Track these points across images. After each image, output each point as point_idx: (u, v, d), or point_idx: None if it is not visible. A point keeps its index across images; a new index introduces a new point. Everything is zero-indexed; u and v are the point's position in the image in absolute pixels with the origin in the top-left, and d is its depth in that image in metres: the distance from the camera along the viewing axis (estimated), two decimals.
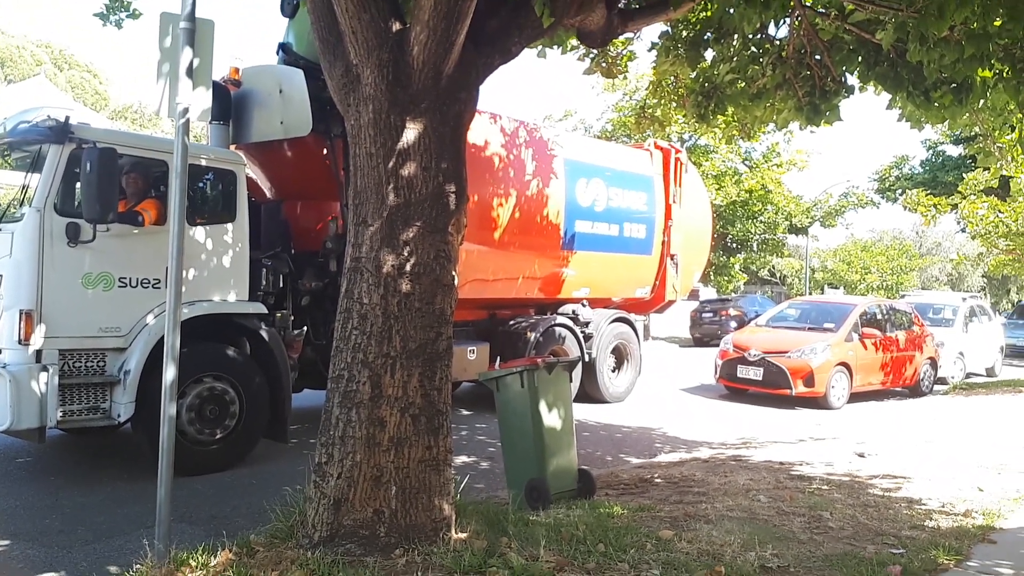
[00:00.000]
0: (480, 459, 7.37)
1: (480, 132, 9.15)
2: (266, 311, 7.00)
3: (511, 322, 10.15)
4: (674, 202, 12.01)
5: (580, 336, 10.56)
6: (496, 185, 9.40)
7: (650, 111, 10.24)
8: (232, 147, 7.65)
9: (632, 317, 11.79)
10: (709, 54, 7.06)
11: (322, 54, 4.54)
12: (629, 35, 8.28)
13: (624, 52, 8.80)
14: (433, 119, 4.36)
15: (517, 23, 4.77)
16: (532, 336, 9.78)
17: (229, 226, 6.80)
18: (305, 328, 7.71)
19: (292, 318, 7.57)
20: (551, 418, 5.56)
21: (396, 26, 4.28)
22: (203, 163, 6.69)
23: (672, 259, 12.04)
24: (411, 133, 4.30)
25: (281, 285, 7.42)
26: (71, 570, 4.37)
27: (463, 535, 4.38)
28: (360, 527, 4.13)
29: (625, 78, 10.07)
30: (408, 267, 4.30)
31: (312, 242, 8.05)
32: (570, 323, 10.50)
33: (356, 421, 4.20)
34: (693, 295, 26.48)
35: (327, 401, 4.37)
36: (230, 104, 7.54)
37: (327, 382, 4.47)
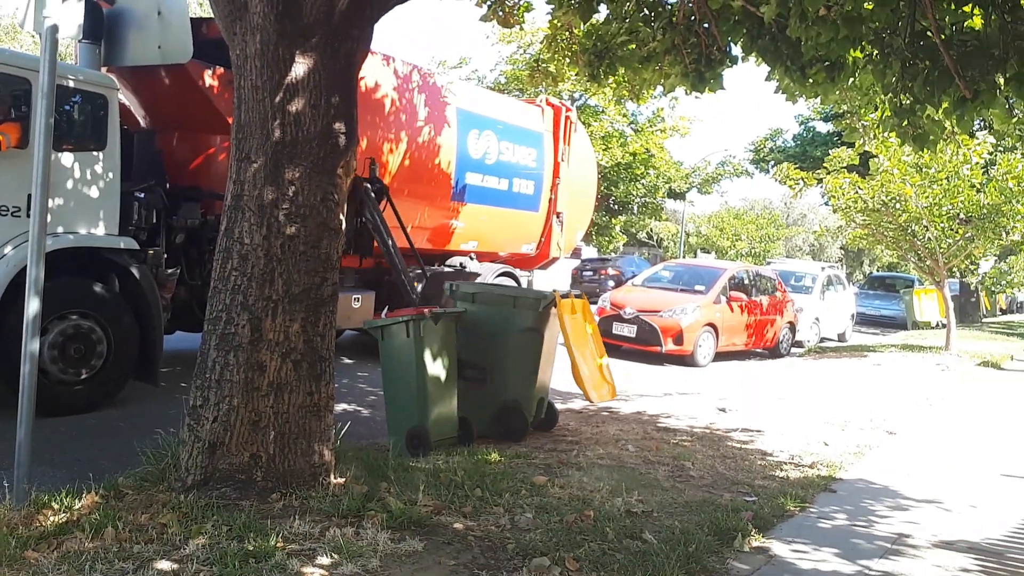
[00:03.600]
0: (361, 407, 7.35)
1: (371, 73, 8.91)
2: (137, 247, 6.66)
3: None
4: (562, 160, 12.02)
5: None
6: (386, 130, 9.20)
7: (544, 66, 10.24)
8: (103, 69, 7.08)
9: (517, 272, 11.83)
10: (603, 10, 7.14)
11: None
12: None
13: (522, 2, 8.75)
14: (324, 55, 4.22)
15: None
16: (419, 287, 9.69)
17: (99, 154, 6.37)
18: (179, 268, 7.37)
19: (165, 256, 7.18)
20: (435, 367, 5.60)
21: None
22: (71, 84, 6.20)
23: (558, 217, 12.09)
24: (300, 68, 4.15)
25: (154, 221, 7.03)
26: None
27: (342, 480, 4.39)
28: (236, 471, 4.06)
29: (522, 29, 10.00)
30: (293, 208, 4.19)
31: (189, 176, 7.62)
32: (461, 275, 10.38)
33: (234, 364, 4.09)
34: (576, 253, 27.01)
35: (203, 343, 4.23)
36: (103, 22, 6.95)
37: (203, 324, 4.32)
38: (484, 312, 6.16)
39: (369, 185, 8.22)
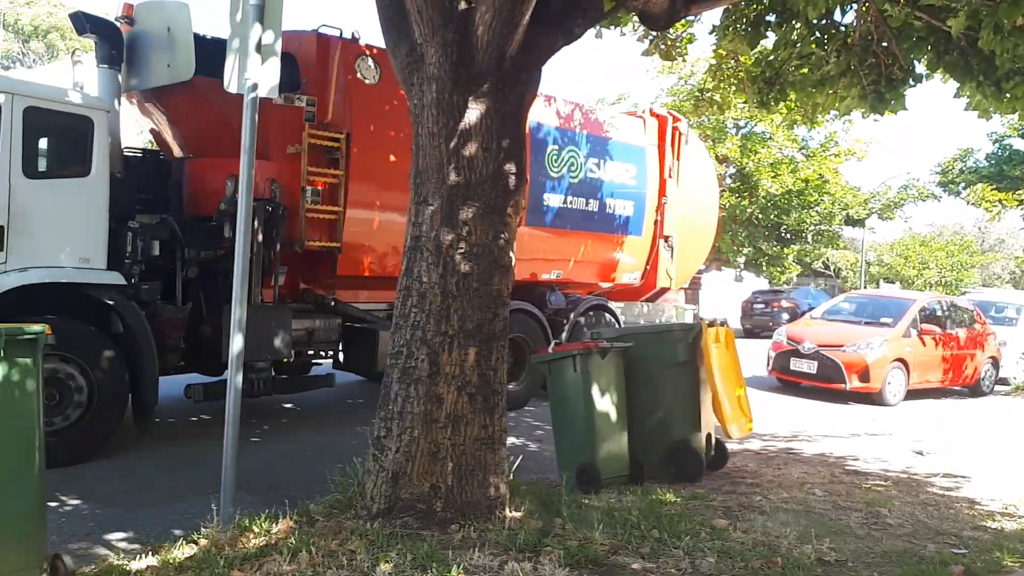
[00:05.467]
0: (529, 441, 7.40)
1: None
2: (123, 282, 6.08)
3: None
4: (670, 177, 10.62)
5: (546, 325, 9.24)
6: None
7: (709, 95, 10.07)
8: (128, 94, 6.90)
9: (614, 306, 10.38)
10: (771, 36, 6.94)
11: (386, 33, 4.57)
12: (690, 17, 8.16)
13: (684, 35, 8.67)
14: (495, 99, 4.36)
15: (580, 5, 4.72)
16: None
17: (81, 182, 5.88)
18: (190, 304, 6.76)
19: (169, 291, 6.64)
20: (603, 403, 5.54)
21: (462, 6, 4.27)
22: (50, 107, 5.73)
23: (667, 241, 10.74)
24: (473, 113, 4.31)
25: (156, 253, 6.48)
26: (138, 531, 4.51)
27: (517, 514, 4.42)
28: (417, 501, 4.19)
29: (684, 59, 9.72)
30: (467, 247, 4.33)
31: (206, 206, 6.99)
32: (534, 310, 9.11)
33: (414, 397, 4.25)
34: (695, 284, 25.37)
35: (386, 376, 4.44)
36: (122, 46, 6.67)
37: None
38: (634, 351, 5.93)
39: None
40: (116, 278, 6.03)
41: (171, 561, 3.73)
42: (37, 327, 3.28)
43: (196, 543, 3.94)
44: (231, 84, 4.24)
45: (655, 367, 5.98)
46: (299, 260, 7.35)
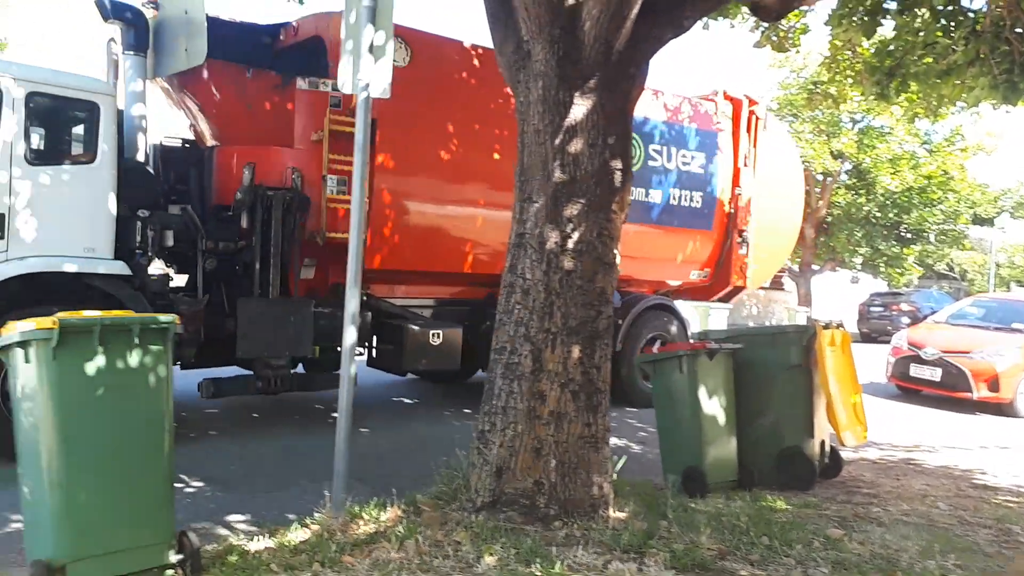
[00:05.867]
0: (632, 443, 7.31)
1: None
2: (128, 272, 5.91)
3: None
4: (745, 165, 9.79)
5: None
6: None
7: (823, 88, 9.67)
8: (160, 81, 6.79)
9: (678, 305, 9.59)
10: (889, 24, 6.59)
11: (493, 31, 4.62)
12: (804, 7, 7.86)
13: (797, 25, 8.36)
14: (602, 95, 4.33)
15: None
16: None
17: (87, 168, 5.76)
18: (207, 296, 6.56)
19: (187, 283, 6.57)
20: (711, 406, 5.41)
21: (569, 1, 4.27)
22: (54, 92, 5.64)
23: (741, 236, 9.86)
24: (579, 109, 4.30)
25: (171, 244, 6.38)
26: (255, 514, 4.73)
27: (621, 515, 4.38)
28: (521, 496, 4.22)
29: (797, 51, 9.27)
30: (571, 244, 4.32)
31: (229, 195, 6.73)
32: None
33: (518, 393, 4.28)
34: (776, 282, 23.72)
35: (490, 371, 4.49)
36: (147, 32, 6.54)
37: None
38: (743, 354, 5.76)
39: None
40: (120, 268, 5.86)
41: (286, 544, 3.89)
42: (167, 317, 3.48)
43: (309, 528, 4.10)
44: (345, 85, 4.38)
45: (766, 370, 5.78)
46: (329, 253, 6.96)
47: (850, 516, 4.96)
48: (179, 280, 7.26)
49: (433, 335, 7.40)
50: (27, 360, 3.17)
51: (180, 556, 3.48)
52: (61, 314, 3.23)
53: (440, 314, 7.85)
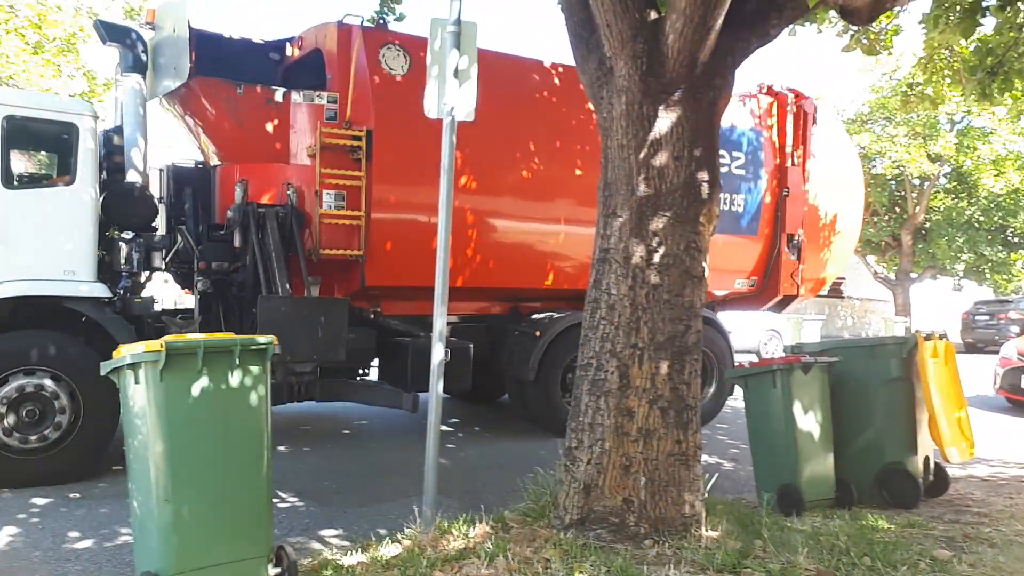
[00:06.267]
0: (723, 460, 7.14)
1: None
2: (107, 294, 5.85)
3: (524, 322, 7.79)
4: (793, 165, 9.08)
5: None
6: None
7: (919, 89, 9.28)
8: (168, 103, 6.71)
9: (718, 317, 9.15)
10: (989, 22, 6.29)
11: (575, 48, 4.63)
12: (896, 8, 7.58)
13: (889, 27, 8.06)
14: (687, 107, 4.28)
15: (777, 3, 4.53)
16: (542, 340, 7.41)
17: (66, 190, 5.74)
18: (199, 317, 6.46)
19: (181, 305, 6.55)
20: (806, 421, 5.23)
21: (652, 16, 4.25)
22: (31, 115, 5.68)
23: (791, 241, 9.07)
24: (664, 123, 4.26)
25: (158, 265, 6.32)
26: (348, 528, 4.84)
27: (714, 533, 4.27)
28: (610, 514, 4.17)
29: (889, 53, 8.84)
30: (657, 258, 4.27)
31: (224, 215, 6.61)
32: None
33: (604, 409, 4.24)
34: (835, 290, 22.12)
35: (576, 388, 4.47)
36: (144, 52, 6.46)
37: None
38: (840, 367, 5.51)
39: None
40: (100, 291, 5.79)
41: (378, 559, 3.95)
42: (265, 338, 3.61)
43: (400, 543, 4.17)
44: (431, 110, 4.47)
45: (865, 383, 5.55)
46: (332, 270, 6.81)
47: (959, 536, 4.70)
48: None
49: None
50: (136, 381, 3.34)
51: (278, 570, 3.58)
52: (168, 337, 3.39)
53: (458, 330, 7.52)
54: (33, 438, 5.44)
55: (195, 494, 3.38)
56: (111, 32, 6.49)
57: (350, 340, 6.39)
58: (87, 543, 4.47)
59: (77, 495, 5.21)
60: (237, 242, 6.28)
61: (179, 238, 6.44)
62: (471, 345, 7.16)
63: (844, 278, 22.57)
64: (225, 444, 3.47)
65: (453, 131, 4.43)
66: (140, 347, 3.33)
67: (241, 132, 6.67)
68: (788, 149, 9.07)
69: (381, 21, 7.06)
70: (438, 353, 4.42)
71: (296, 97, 6.65)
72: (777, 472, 5.24)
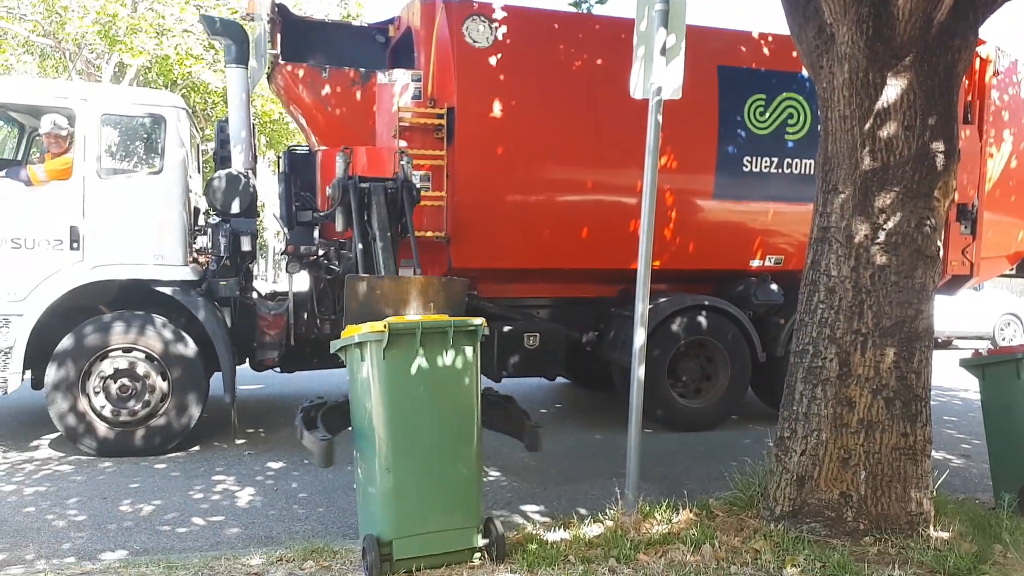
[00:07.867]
0: (951, 456, 6.53)
1: None
2: (193, 277, 6.07)
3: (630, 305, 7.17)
4: (967, 121, 7.64)
5: (749, 327, 7.25)
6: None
7: None
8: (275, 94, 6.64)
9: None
10: None
11: (790, 16, 4.36)
12: None
13: None
14: (919, 73, 3.91)
15: None
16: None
17: (155, 179, 6.02)
18: (290, 301, 6.51)
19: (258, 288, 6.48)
20: None
21: None
22: (124, 111, 6.02)
23: (968, 213, 7.73)
24: (892, 90, 3.92)
25: (247, 249, 6.27)
26: (548, 505, 4.95)
27: (944, 534, 3.93)
28: (825, 507, 3.96)
29: None
30: (883, 236, 3.96)
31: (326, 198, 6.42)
32: (729, 308, 7.20)
33: (821, 399, 4.01)
34: None
35: (789, 375, 4.26)
36: (247, 44, 6.55)
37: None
38: None
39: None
40: (185, 274, 6.04)
41: (581, 537, 4.00)
42: (477, 320, 3.74)
43: (603, 523, 4.19)
44: (637, 90, 4.38)
45: None
46: (422, 252, 6.26)
47: None
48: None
49: (529, 337, 6.83)
50: (362, 359, 3.58)
51: (486, 540, 3.72)
52: (390, 319, 3.60)
53: (555, 314, 7.23)
54: (124, 412, 5.80)
55: (413, 465, 3.57)
56: (220, 24, 6.75)
57: None
58: (315, 506, 4.88)
59: (307, 461, 5.70)
60: (340, 226, 5.98)
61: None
62: (563, 329, 6.94)
63: None
64: (440, 419, 3.63)
65: (659, 111, 4.31)
66: (366, 327, 3.56)
67: (331, 115, 6.71)
68: (963, 105, 7.61)
69: (584, 7, 6.90)
70: (640, 337, 4.37)
71: (381, 78, 6.67)
72: (1020, 470, 4.70)
